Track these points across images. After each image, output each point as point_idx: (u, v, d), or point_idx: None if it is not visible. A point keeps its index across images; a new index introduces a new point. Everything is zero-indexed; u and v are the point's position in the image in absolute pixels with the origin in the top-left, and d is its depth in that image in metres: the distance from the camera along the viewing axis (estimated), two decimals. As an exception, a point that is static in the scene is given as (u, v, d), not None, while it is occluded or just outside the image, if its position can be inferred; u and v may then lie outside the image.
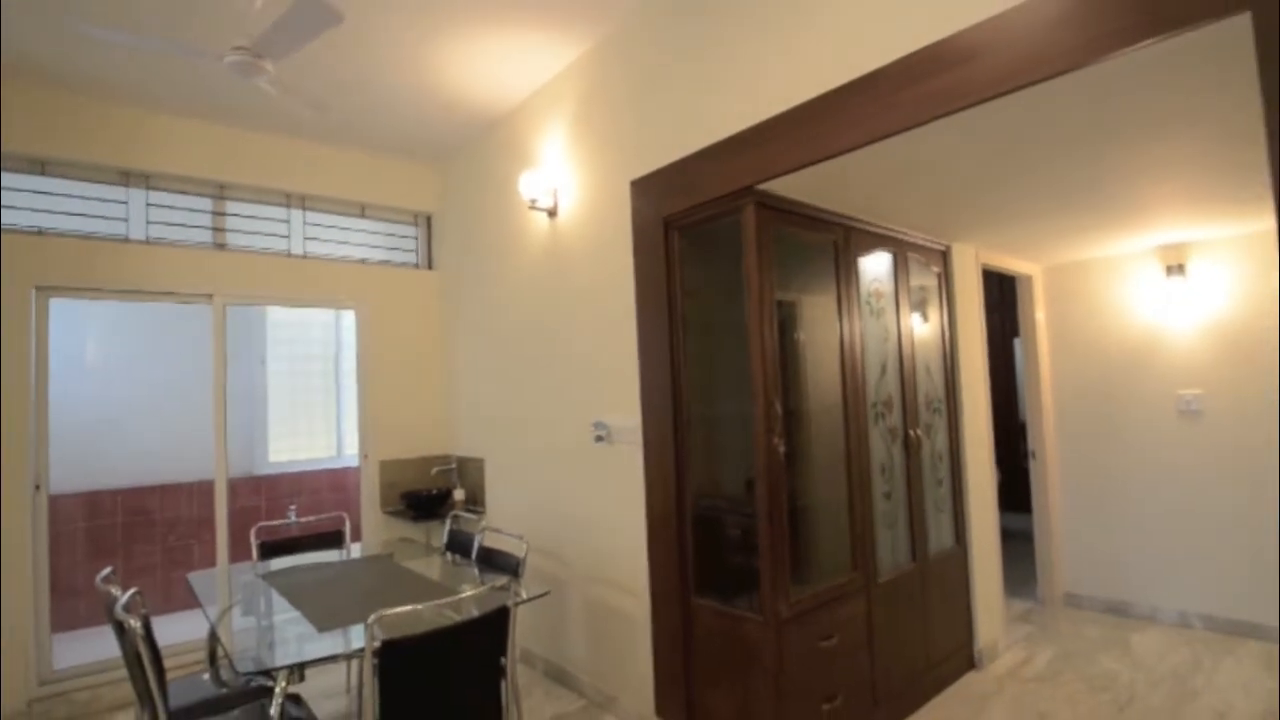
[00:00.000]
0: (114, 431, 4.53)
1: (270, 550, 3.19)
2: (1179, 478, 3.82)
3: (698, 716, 2.61)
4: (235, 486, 4.45)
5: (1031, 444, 4.31)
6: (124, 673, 2.15)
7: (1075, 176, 2.52)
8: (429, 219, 4.68)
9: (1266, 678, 3.12)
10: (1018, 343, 4.40)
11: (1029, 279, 4.26)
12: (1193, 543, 3.78)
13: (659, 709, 2.74)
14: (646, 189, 2.79)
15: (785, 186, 2.42)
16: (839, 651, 2.57)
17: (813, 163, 2.15)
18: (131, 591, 2.04)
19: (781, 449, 2.43)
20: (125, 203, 3.62)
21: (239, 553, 3.61)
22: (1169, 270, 3.82)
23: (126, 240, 3.59)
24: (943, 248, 3.44)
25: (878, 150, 2.05)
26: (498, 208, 3.83)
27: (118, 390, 4.59)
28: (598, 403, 3.09)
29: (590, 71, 3.12)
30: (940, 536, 3.30)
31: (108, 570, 2.29)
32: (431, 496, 4.11)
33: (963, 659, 3.30)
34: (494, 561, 2.80)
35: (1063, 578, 4.27)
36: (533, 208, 3.34)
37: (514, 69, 3.27)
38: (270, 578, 2.77)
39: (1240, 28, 1.36)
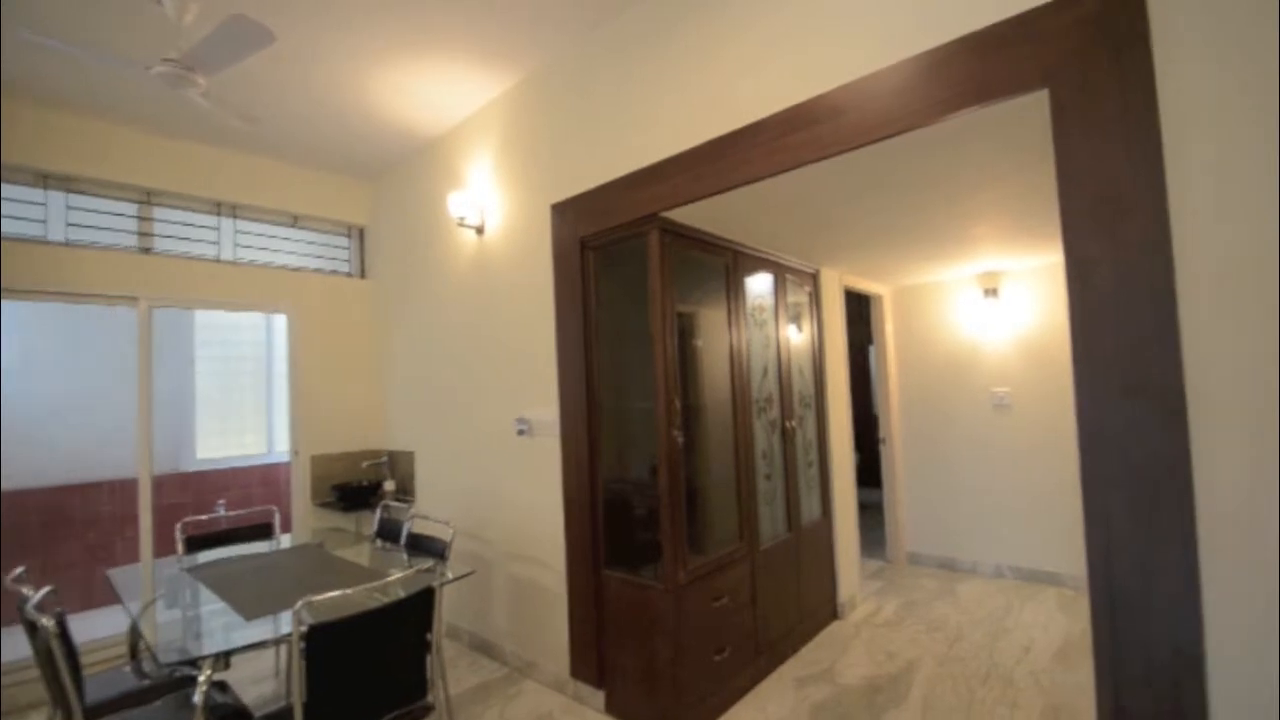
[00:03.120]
0: (35, 432, 3.98)
1: (197, 544, 2.90)
2: (993, 457, 4.22)
3: (608, 674, 2.62)
4: (161, 483, 4.02)
5: (882, 432, 4.61)
6: (38, 672, 1.89)
7: (916, 217, 2.72)
8: (361, 231, 4.43)
9: (1061, 617, 3.48)
10: (872, 350, 4.69)
11: (880, 298, 4.57)
12: (1004, 508, 4.17)
13: (574, 670, 2.73)
14: (565, 212, 2.77)
15: (685, 215, 2.47)
16: (728, 610, 2.66)
17: (707, 196, 2.22)
18: (45, 590, 1.80)
19: (680, 439, 2.48)
20: (44, 204, 3.19)
21: (165, 548, 3.26)
22: (986, 293, 4.20)
23: (45, 242, 3.17)
24: (813, 270, 3.62)
25: (761, 188, 2.14)
26: (428, 223, 3.68)
27: (39, 391, 4.04)
28: (520, 400, 3.03)
29: (516, 104, 3.07)
30: (810, 509, 3.47)
31: (19, 570, 2.01)
32: (362, 488, 3.89)
33: (828, 611, 3.49)
34: (422, 546, 2.68)
35: (906, 540, 4.60)
36: (461, 225, 3.24)
37: (445, 97, 3.16)
38: (196, 570, 2.52)
39: (1041, 101, 1.52)
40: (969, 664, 2.94)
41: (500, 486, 3.17)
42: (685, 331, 2.74)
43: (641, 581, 2.52)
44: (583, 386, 2.68)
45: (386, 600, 1.89)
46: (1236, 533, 1.27)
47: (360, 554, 2.76)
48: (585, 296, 2.71)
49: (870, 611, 3.66)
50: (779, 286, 3.30)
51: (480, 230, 3.24)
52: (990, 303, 4.19)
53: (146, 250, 3.50)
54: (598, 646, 2.64)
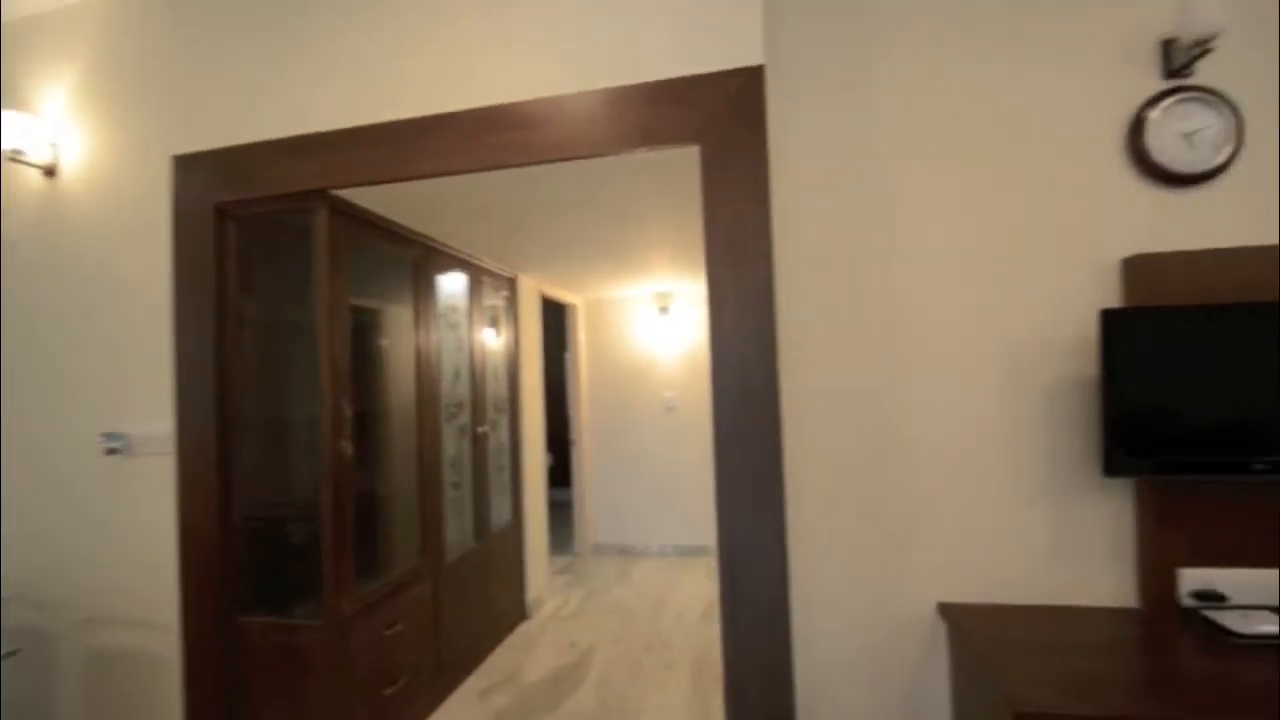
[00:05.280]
0: None
1: None
2: (661, 452, 4.90)
3: (243, 746, 2.14)
4: None
5: (573, 433, 4.93)
6: None
7: (603, 234, 2.97)
8: None
9: (707, 583, 4.20)
10: (567, 356, 4.99)
11: (575, 307, 4.89)
12: (667, 495, 4.88)
13: (190, 754, 2.15)
14: (194, 168, 2.19)
15: (366, 197, 2.21)
16: (404, 635, 2.45)
17: (391, 180, 2.00)
18: None
19: (350, 450, 2.19)
20: None
21: None
22: (661, 310, 4.87)
23: None
24: (511, 276, 3.66)
25: (454, 184, 2.03)
26: (-46, 148, 2.50)
27: None
28: (111, 407, 2.27)
29: (121, 15, 2.31)
30: (501, 515, 3.48)
31: None
32: None
33: (517, 612, 3.54)
34: (-93, 634, 1.78)
35: (592, 533, 5.00)
36: (16, 160, 2.28)
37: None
38: None
39: (695, 153, 1.77)
40: (638, 638, 3.33)
41: (74, 527, 2.32)
42: (369, 329, 2.45)
43: (293, 623, 2.14)
44: (212, 389, 2.14)
45: None
46: (810, 511, 1.70)
47: None
48: (221, 277, 2.17)
49: (558, 606, 3.84)
50: (475, 288, 3.23)
51: (51, 172, 2.33)
52: (663, 318, 4.87)
53: None
54: (228, 716, 2.14)
